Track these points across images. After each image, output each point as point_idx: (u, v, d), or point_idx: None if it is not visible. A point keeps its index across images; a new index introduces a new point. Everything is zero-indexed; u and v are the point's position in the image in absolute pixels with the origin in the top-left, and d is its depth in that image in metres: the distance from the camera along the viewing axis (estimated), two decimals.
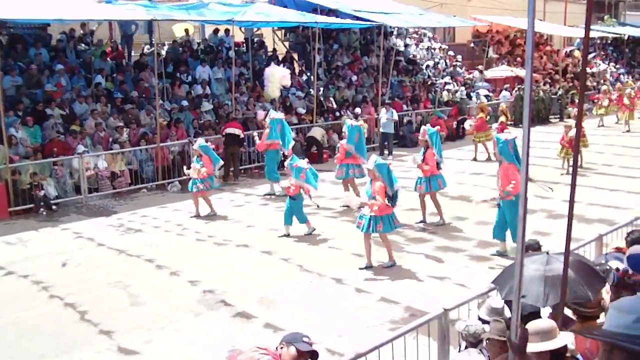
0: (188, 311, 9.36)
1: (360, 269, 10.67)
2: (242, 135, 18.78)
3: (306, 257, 11.39)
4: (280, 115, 16.52)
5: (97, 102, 18.96)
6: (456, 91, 28.60)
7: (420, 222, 13.35)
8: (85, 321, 9.15)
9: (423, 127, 13.67)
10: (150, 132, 18.57)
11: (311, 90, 23.73)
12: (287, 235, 12.72)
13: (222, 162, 15.68)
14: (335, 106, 23.88)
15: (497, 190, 11.04)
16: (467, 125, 20.10)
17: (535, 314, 5.09)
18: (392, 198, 10.53)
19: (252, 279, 10.59)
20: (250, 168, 19.80)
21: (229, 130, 18.53)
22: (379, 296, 9.63)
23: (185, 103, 20.39)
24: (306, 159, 13.10)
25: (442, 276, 10.42)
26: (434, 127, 13.74)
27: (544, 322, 4.52)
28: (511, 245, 10.89)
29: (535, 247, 7.11)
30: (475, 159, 20.80)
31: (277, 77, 20.53)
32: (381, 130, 22.23)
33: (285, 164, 13.23)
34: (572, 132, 17.55)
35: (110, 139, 17.91)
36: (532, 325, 4.33)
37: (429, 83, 28.54)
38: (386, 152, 21.78)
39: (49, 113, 17.67)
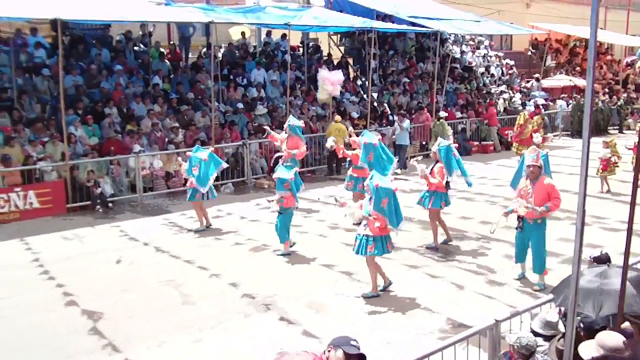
0: (237, 312, 9.43)
1: (365, 296, 9.92)
2: None
3: (353, 265, 11.26)
4: (299, 122, 15.87)
5: (154, 103, 19.26)
6: (512, 99, 28.20)
7: (442, 242, 12.62)
8: (134, 319, 9.32)
9: (439, 139, 12.97)
10: (205, 133, 18.78)
11: (365, 95, 23.70)
12: (292, 246, 12.30)
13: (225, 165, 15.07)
14: (389, 112, 23.82)
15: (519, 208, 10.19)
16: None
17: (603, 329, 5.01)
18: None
19: (300, 283, 10.61)
20: (302, 172, 19.78)
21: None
22: (424, 306, 9.57)
23: (240, 105, 20.55)
24: (294, 169, 12.46)
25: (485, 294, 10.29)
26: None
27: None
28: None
29: (603, 260, 6.90)
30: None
31: (327, 84, 20.50)
32: (395, 142, 21.29)
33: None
34: (605, 152, 17.08)
35: (166, 139, 18.18)
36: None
37: (484, 91, 28.23)
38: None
39: (107, 112, 18.03)
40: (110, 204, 16.08)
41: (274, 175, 12.32)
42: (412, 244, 12.57)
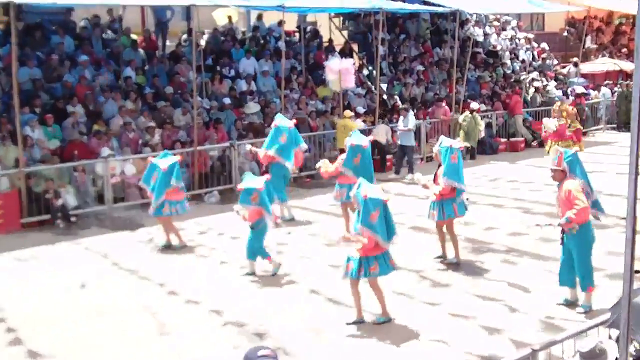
0: (224, 343, 9.29)
1: (348, 324, 9.81)
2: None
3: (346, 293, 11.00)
4: (288, 122, 15.56)
5: (126, 99, 19.20)
6: (546, 88, 28.11)
7: (438, 257, 12.52)
8: (103, 354, 9.14)
9: (442, 137, 12.85)
10: (186, 133, 18.68)
11: (373, 87, 23.60)
12: (252, 274, 12.02)
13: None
14: (401, 105, 23.68)
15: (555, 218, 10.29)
16: (549, 125, 19.06)
17: None
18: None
19: (297, 309, 10.50)
20: (300, 177, 19.71)
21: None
22: (443, 333, 9.42)
23: (227, 101, 20.51)
24: (265, 176, 12.36)
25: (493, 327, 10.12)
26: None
27: None
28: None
29: None
30: None
31: (331, 73, 20.40)
32: (398, 142, 21.00)
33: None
34: None
35: (140, 141, 18.10)
36: None
37: (512, 79, 28.14)
38: (405, 169, 20.76)
39: (70, 110, 17.94)
40: (73, 218, 15.94)
41: (239, 186, 12.08)
42: (427, 258, 12.53)
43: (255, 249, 11.95)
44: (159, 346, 9.34)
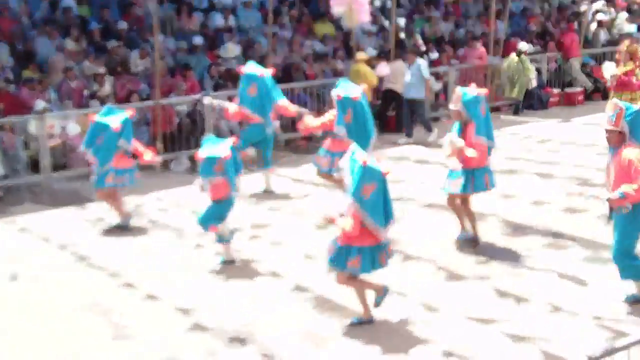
0: (197, 349, 9.36)
1: (352, 324, 9.79)
2: None
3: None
4: (259, 70, 15.58)
5: (66, 36, 19.17)
6: (614, 22, 27.95)
7: (468, 240, 12.46)
8: None
9: (457, 89, 12.51)
10: (146, 82, 18.66)
11: (387, 22, 23.53)
12: (232, 262, 12.07)
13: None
14: (424, 47, 23.64)
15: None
16: (607, 72, 18.83)
17: None
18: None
19: (284, 307, 10.54)
20: (295, 139, 19.73)
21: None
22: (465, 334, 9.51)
23: (198, 40, 20.47)
24: (232, 139, 12.20)
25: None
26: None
27: None
28: None
29: None
30: None
31: (336, 3, 20.36)
32: (405, 95, 20.79)
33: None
34: None
35: (86, 92, 18.10)
36: None
37: (569, 12, 28.04)
38: (419, 129, 20.71)
39: None
40: (0, 192, 15.98)
41: (199, 154, 11.94)
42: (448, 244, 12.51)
43: (211, 217, 11.87)
44: (114, 354, 9.31)
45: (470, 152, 11.70)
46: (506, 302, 10.33)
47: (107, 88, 18.11)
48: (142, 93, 18.30)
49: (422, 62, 20.57)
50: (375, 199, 9.26)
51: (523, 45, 22.98)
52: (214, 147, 11.77)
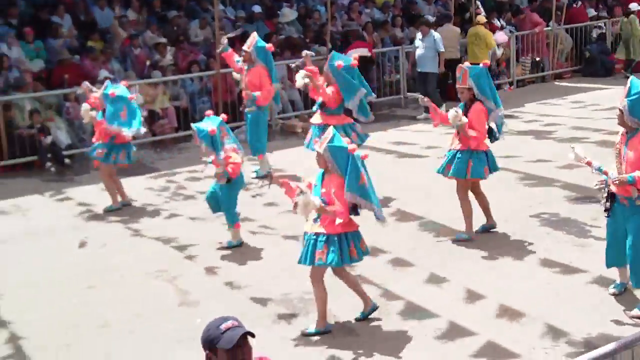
0: (253, 321, 9.35)
1: (358, 319, 9.24)
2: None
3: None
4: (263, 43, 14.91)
5: (127, 7, 19.23)
6: None
7: (482, 229, 11.77)
8: (111, 328, 9.33)
9: (462, 65, 11.75)
10: (206, 53, 18.69)
11: None
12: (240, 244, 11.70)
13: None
14: (483, 12, 23.37)
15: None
16: None
17: None
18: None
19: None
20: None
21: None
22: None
23: (256, 9, 20.43)
24: (220, 117, 11.78)
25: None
26: None
27: None
28: None
29: None
30: None
31: None
32: (417, 69, 20.18)
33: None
34: None
35: (148, 62, 18.19)
36: None
37: None
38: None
39: (56, 22, 18.04)
40: (66, 160, 16.12)
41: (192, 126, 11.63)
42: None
43: (226, 212, 11.54)
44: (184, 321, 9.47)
45: (472, 132, 11.08)
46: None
47: (168, 58, 18.14)
48: (202, 63, 18.26)
49: (436, 35, 19.68)
50: (371, 184, 8.73)
51: (634, 5, 22.99)
52: (205, 122, 11.51)
